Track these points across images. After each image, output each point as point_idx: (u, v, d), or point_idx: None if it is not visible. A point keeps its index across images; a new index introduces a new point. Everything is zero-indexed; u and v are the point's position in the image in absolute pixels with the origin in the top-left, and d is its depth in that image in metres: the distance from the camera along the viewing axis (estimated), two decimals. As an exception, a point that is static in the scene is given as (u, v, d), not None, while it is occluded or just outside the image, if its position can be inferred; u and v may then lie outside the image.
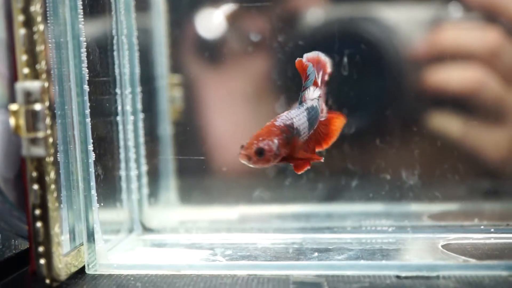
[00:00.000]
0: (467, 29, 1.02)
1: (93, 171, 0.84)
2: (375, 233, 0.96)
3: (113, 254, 0.89)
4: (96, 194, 0.84)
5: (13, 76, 0.73)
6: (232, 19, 1.11)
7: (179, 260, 0.87)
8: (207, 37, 1.13)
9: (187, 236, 0.99)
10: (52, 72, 0.81)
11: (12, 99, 0.72)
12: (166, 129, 1.12)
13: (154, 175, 1.08)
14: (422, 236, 0.94)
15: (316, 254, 0.87)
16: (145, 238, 0.98)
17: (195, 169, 1.13)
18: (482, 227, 0.95)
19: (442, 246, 0.88)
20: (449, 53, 1.02)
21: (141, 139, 1.01)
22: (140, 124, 1.01)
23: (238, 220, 1.07)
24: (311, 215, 1.05)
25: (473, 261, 0.81)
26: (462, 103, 1.02)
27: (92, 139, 0.84)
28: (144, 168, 1.02)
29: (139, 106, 1.01)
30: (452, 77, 1.01)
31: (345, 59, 1.02)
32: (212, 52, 1.12)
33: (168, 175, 1.12)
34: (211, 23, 1.12)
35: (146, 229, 1.01)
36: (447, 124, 1.02)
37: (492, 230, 0.94)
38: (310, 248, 0.90)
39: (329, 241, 0.93)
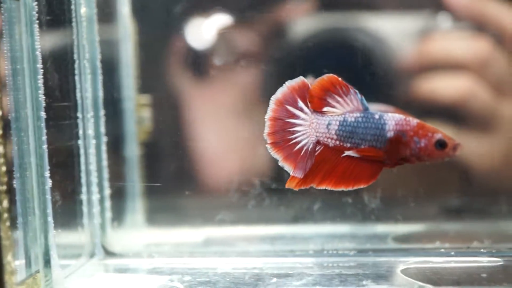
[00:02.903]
0: (456, 39, 1.03)
1: (50, 197, 0.83)
2: (337, 256, 0.96)
3: (72, 281, 0.88)
4: (53, 221, 0.84)
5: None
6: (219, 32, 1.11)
7: (137, 286, 0.87)
8: (194, 51, 1.12)
9: (150, 260, 0.99)
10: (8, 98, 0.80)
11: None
12: (133, 151, 1.11)
13: (119, 198, 1.08)
14: (383, 260, 0.94)
15: (275, 279, 0.87)
16: (107, 263, 0.98)
17: (166, 189, 1.13)
18: (442, 250, 0.96)
19: (401, 271, 0.88)
20: (439, 62, 1.02)
21: (105, 163, 1.01)
22: (104, 147, 1.01)
23: (203, 243, 1.07)
24: (276, 237, 1.05)
25: (428, 286, 0.81)
26: (452, 113, 1.01)
27: (51, 164, 0.84)
28: (108, 191, 1.02)
29: (102, 129, 1.01)
30: (442, 86, 1.01)
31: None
32: (199, 66, 1.11)
33: (134, 197, 1.12)
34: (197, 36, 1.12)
35: (109, 254, 1.00)
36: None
37: (453, 253, 0.94)
38: (270, 273, 0.90)
39: (291, 265, 0.94)
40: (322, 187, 0.76)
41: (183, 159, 1.13)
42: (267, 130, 0.76)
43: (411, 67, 1.03)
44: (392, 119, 0.75)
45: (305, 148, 0.76)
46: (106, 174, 1.02)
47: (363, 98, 0.76)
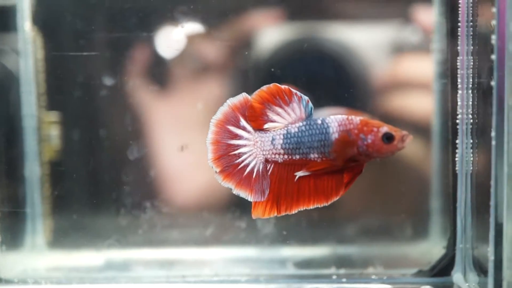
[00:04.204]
0: (428, 57, 1.00)
1: None
2: (229, 283, 0.94)
3: None
4: None
5: None
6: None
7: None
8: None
9: (35, 287, 0.96)
10: None
11: None
12: (35, 170, 1.08)
13: (15, 219, 1.05)
14: (274, 286, 0.92)
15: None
16: (-10, 289, 0.95)
17: (73, 210, 1.09)
18: (334, 276, 0.94)
19: (286, 298, 0.87)
20: (411, 80, 0.99)
21: (-7, 183, 0.98)
22: (-7, 167, 0.98)
23: (102, 267, 1.04)
24: (173, 262, 1.02)
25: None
26: (424, 129, 0.99)
27: None
28: (-4, 214, 0.99)
29: (-11, 149, 0.98)
30: (414, 103, 0.99)
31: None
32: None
33: (35, 218, 1.08)
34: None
35: (-5, 280, 0.97)
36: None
37: (344, 280, 0.93)
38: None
39: (178, 292, 0.92)
40: (296, 210, 0.71)
41: (93, 179, 1.10)
42: (210, 155, 0.71)
43: (383, 82, 1.00)
44: (335, 120, 0.72)
45: (255, 169, 0.72)
46: (-6, 196, 0.99)
47: (309, 103, 0.72)
